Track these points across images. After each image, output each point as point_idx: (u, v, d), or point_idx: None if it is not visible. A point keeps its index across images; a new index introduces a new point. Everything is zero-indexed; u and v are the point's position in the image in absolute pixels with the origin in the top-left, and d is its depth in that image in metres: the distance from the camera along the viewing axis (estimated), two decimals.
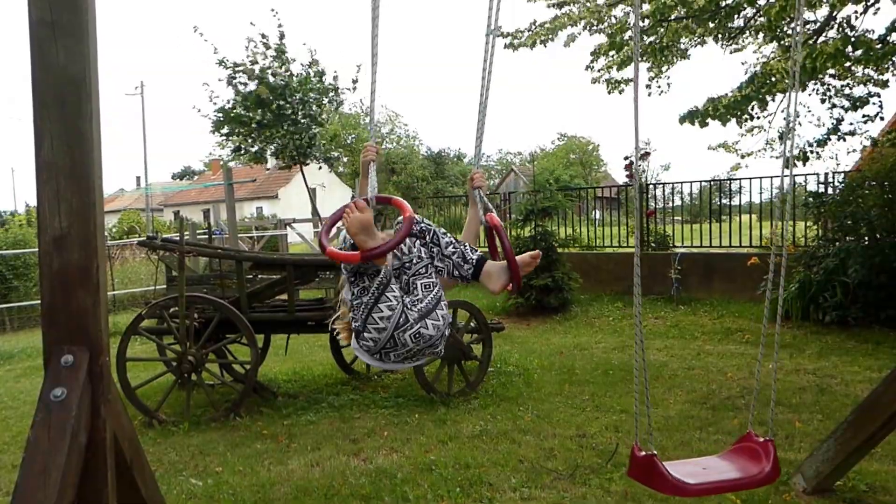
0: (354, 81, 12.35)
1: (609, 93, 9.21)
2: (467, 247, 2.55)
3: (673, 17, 7.86)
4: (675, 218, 14.86)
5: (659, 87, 9.67)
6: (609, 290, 10.92)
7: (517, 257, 2.53)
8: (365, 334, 2.44)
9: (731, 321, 9.00)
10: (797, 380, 6.34)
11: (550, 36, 8.01)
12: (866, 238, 8.28)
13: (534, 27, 8.22)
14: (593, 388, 6.29)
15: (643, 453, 2.57)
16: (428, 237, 2.54)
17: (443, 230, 2.61)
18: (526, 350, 8.06)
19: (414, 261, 2.47)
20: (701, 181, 12.56)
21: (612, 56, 8.67)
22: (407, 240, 2.46)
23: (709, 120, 8.25)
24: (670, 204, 14.06)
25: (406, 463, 4.58)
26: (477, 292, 12.00)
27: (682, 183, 12.37)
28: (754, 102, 8.26)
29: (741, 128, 9.89)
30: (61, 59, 2.01)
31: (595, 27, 8.31)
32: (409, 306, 2.41)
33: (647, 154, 11.85)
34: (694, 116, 8.33)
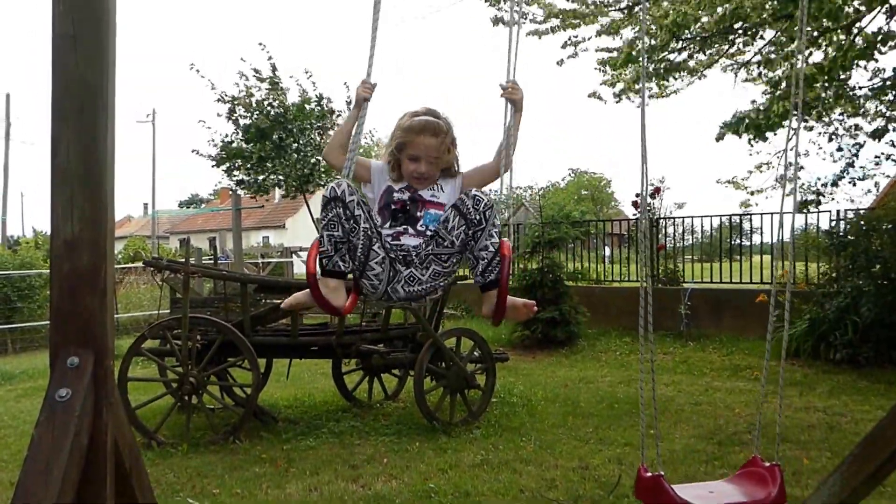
0: (348, 103, 12.53)
1: (617, 102, 9.32)
2: (495, 260, 2.40)
3: (690, 31, 7.92)
4: (688, 256, 14.82)
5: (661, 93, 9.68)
6: (617, 325, 10.88)
7: (516, 299, 2.47)
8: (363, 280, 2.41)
9: (740, 358, 8.95)
10: (806, 417, 6.27)
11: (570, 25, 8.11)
12: (885, 280, 8.15)
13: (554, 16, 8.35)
14: (597, 421, 6.25)
15: (650, 474, 2.55)
16: (477, 230, 2.37)
17: (497, 228, 2.45)
18: (531, 382, 8.02)
19: (446, 243, 2.38)
20: (712, 216, 12.57)
21: (625, 74, 8.80)
22: (454, 215, 2.38)
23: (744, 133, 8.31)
24: (684, 241, 14.02)
25: (405, 490, 4.54)
26: (483, 324, 12.01)
27: (692, 218, 12.37)
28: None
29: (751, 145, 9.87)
30: (80, 69, 2.07)
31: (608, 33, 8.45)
32: (397, 280, 2.38)
33: (658, 190, 11.87)
34: (737, 126, 8.39)
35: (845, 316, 7.98)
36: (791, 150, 2.80)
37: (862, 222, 8.89)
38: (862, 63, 7.92)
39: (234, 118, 11.40)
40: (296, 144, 11.41)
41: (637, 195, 11.30)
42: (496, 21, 8.35)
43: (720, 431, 5.84)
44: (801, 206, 9.96)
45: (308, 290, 2.38)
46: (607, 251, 18.82)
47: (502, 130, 2.55)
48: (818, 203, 10.18)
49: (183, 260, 5.81)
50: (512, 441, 5.65)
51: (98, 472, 2.17)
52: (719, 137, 9.21)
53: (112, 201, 2.17)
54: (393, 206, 2.47)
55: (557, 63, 9.09)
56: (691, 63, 8.82)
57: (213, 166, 11.65)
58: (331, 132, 12.26)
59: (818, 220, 10.80)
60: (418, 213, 2.46)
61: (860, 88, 9.10)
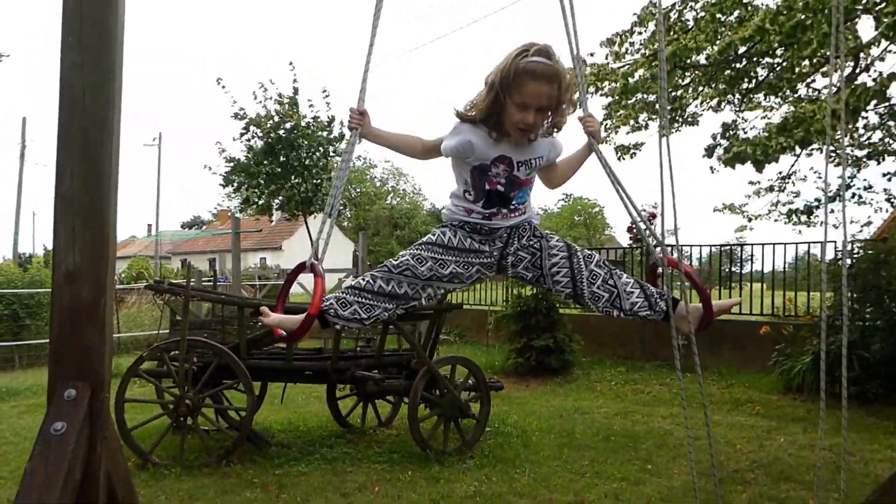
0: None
1: (619, 159, 9.34)
2: (648, 291, 2.48)
3: (689, 62, 7.98)
4: (685, 284, 14.77)
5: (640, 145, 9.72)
6: (611, 354, 10.85)
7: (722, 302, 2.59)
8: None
9: (740, 391, 8.86)
10: (811, 456, 6.16)
11: None
12: None
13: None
14: (594, 454, 6.19)
15: None
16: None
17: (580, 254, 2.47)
18: (525, 411, 7.97)
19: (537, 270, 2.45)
20: (711, 245, 12.58)
21: (620, 115, 8.84)
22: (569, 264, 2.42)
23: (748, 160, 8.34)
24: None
25: None
26: (476, 350, 11.97)
27: (690, 246, 12.35)
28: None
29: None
30: (87, 101, 2.08)
31: (599, 88, 8.50)
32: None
33: (654, 216, 11.85)
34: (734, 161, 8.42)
35: (853, 350, 7.89)
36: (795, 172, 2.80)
37: (870, 251, 8.79)
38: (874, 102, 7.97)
39: (246, 138, 11.50)
40: (306, 163, 11.46)
41: (631, 222, 11.34)
42: None
43: (720, 468, 5.77)
44: (790, 215, 10.00)
45: (300, 320, 2.32)
46: None
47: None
48: (809, 214, 10.20)
49: (184, 282, 5.80)
50: (506, 472, 5.60)
51: (90, 502, 2.16)
52: (723, 165, 9.20)
53: (114, 233, 2.17)
54: (488, 187, 2.38)
55: None
56: (692, 103, 8.91)
57: (220, 184, 11.72)
58: (336, 158, 12.30)
59: (823, 248, 10.76)
60: (511, 194, 2.41)
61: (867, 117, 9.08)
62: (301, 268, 2.36)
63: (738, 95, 8.90)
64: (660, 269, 2.52)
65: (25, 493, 1.93)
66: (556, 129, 2.37)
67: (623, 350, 10.76)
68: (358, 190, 32.10)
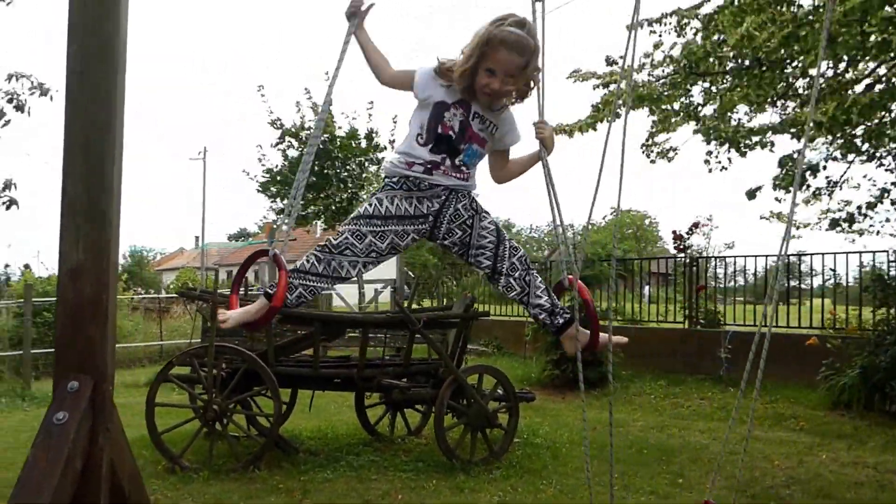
0: (391, 141, 12.72)
1: (652, 162, 9.24)
2: (556, 305, 2.62)
3: (708, 66, 7.84)
4: (738, 298, 14.41)
5: (719, 161, 9.57)
6: (652, 367, 10.65)
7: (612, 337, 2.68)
8: None
9: (784, 406, 8.61)
10: (854, 474, 5.95)
11: (601, 117, 8.17)
12: None
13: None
14: (624, 467, 6.09)
15: None
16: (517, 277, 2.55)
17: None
18: (557, 423, 7.89)
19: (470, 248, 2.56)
20: (756, 256, 12.13)
21: (654, 120, 8.75)
22: (499, 246, 2.52)
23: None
24: (735, 282, 13.57)
25: None
26: (513, 362, 11.90)
27: (733, 257, 12.00)
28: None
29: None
30: (90, 107, 2.18)
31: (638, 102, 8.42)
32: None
33: (697, 225, 11.60)
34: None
35: None
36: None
37: None
38: None
39: (281, 147, 11.74)
40: (339, 175, 11.64)
41: (674, 231, 11.13)
42: None
43: (755, 484, 5.64)
44: (833, 225, 9.70)
45: (259, 312, 2.41)
46: (647, 290, 18.46)
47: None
48: (851, 223, 9.89)
49: (222, 290, 5.95)
50: (532, 484, 5.55)
51: (92, 495, 2.23)
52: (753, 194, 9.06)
53: (117, 233, 2.25)
54: (440, 130, 2.44)
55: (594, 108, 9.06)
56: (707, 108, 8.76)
57: (258, 190, 11.98)
58: (372, 168, 12.47)
59: (874, 259, 10.40)
60: (461, 146, 2.47)
61: None
62: (259, 255, 2.44)
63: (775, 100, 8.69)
64: (565, 287, 2.65)
65: (26, 479, 2.01)
66: (517, 100, 2.50)
67: (664, 363, 10.56)
68: None
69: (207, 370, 5.72)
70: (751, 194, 9.65)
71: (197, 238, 53.82)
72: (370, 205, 2.47)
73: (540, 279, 2.63)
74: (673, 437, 7.29)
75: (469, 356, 12.43)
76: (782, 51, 6.88)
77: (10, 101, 7.24)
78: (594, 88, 8.74)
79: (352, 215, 2.51)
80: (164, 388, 6.94)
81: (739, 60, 7.51)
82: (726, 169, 9.56)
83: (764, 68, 7.27)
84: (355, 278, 2.50)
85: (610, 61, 8.53)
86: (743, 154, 8.98)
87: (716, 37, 7.39)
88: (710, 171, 9.67)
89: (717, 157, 9.47)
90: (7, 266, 27.03)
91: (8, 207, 7.10)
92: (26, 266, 25.18)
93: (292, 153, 11.80)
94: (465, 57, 2.36)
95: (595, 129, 8.45)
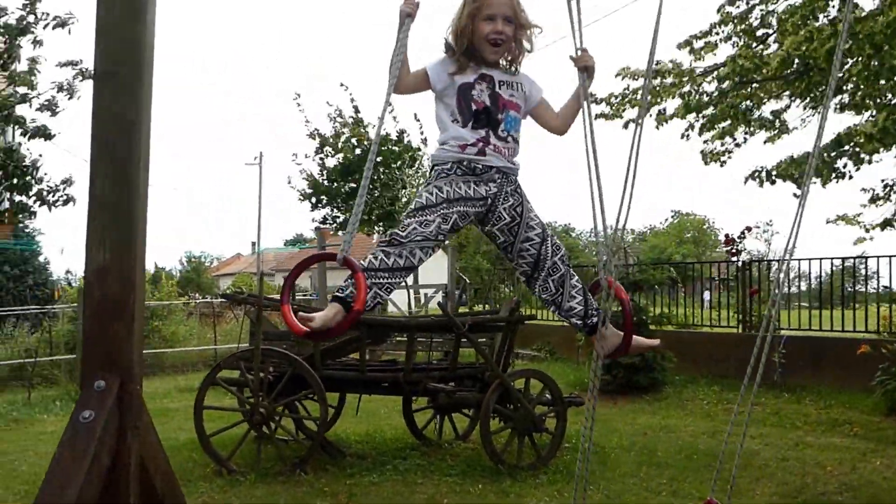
0: (423, 140, 12.76)
1: (706, 164, 9.01)
2: (589, 303, 2.61)
3: (756, 78, 7.65)
4: (802, 303, 13.93)
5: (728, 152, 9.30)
6: (706, 373, 10.36)
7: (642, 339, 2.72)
8: None
9: (839, 412, 8.28)
10: None
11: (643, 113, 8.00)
12: None
13: (622, 97, 8.24)
14: (673, 472, 5.93)
15: None
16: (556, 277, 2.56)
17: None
18: (608, 428, 7.71)
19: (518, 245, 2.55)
20: (810, 259, 11.69)
21: (703, 123, 8.55)
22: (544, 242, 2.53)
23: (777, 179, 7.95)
24: (790, 286, 13.14)
25: None
26: (566, 367, 11.73)
27: (809, 260, 11.48)
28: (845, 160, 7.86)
29: (825, 187, 9.33)
30: (117, 107, 2.20)
31: (686, 97, 8.24)
32: None
33: (749, 229, 11.33)
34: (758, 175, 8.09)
35: None
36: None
37: None
38: None
39: (321, 157, 11.90)
40: (381, 180, 11.73)
41: (726, 234, 10.84)
42: None
43: (806, 490, 5.41)
44: (885, 225, 9.27)
45: (339, 318, 2.28)
46: (707, 295, 17.96)
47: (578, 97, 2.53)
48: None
49: (274, 294, 6.01)
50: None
51: (120, 494, 2.24)
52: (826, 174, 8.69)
53: (143, 232, 2.27)
54: (474, 107, 2.45)
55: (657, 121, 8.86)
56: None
57: (299, 199, 12.17)
58: (408, 171, 12.53)
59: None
60: (499, 116, 2.48)
61: None
62: (318, 259, 2.37)
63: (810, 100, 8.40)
64: (601, 288, 2.54)
65: (52, 475, 2.03)
66: (524, 50, 2.53)
67: (717, 368, 10.25)
68: None
69: (254, 374, 5.78)
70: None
71: (253, 244, 54.95)
72: (430, 193, 2.44)
73: (576, 279, 2.59)
74: (724, 442, 7.06)
75: (521, 361, 12.34)
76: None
77: (60, 89, 7.46)
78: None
79: (412, 207, 2.47)
80: (217, 392, 7.07)
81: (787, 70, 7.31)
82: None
83: (812, 73, 7.07)
84: (418, 266, 2.44)
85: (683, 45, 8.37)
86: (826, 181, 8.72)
87: (760, 47, 7.23)
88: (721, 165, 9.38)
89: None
90: (68, 272, 28.02)
91: (65, 203, 7.34)
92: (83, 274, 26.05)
93: (330, 162, 11.93)
94: (459, 16, 2.44)
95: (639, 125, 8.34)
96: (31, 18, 7.50)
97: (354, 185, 11.65)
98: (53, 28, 7.49)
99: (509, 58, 2.54)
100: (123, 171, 2.20)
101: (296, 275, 2.45)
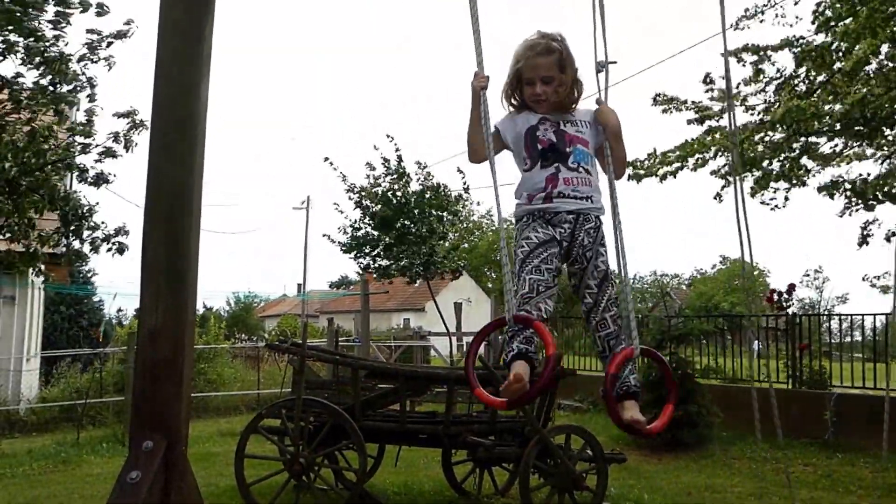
0: (466, 189, 12.88)
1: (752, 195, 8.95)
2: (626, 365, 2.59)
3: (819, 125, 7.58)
4: (856, 355, 13.49)
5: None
6: (754, 429, 10.03)
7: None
8: None
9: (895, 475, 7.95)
10: None
11: (681, 164, 7.98)
12: None
13: (659, 156, 8.25)
14: None
15: None
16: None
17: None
18: (651, 487, 7.52)
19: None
20: (863, 314, 11.45)
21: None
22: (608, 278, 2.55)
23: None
24: (841, 340, 12.76)
25: None
26: (608, 420, 11.49)
27: (838, 316, 11.30)
28: None
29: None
30: (170, 180, 2.31)
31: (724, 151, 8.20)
32: None
33: (794, 287, 11.08)
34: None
35: None
36: None
37: None
38: None
39: (362, 206, 12.11)
40: (418, 232, 11.89)
41: (771, 290, 10.61)
42: None
43: None
44: None
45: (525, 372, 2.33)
46: (758, 345, 17.44)
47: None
48: None
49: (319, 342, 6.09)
50: None
51: None
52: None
53: (194, 296, 2.36)
54: (540, 147, 2.53)
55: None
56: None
57: (342, 251, 12.36)
58: (449, 216, 12.66)
59: None
60: (567, 149, 2.53)
61: None
62: (497, 324, 2.40)
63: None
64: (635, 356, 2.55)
65: None
66: (575, 97, 2.60)
67: (768, 425, 9.88)
68: (475, 238, 32.62)
69: (295, 423, 5.82)
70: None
71: (299, 285, 55.58)
72: (525, 246, 2.51)
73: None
74: None
75: (563, 412, 12.13)
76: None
77: (115, 139, 7.68)
78: (688, 123, 8.60)
79: (518, 261, 2.53)
80: (258, 437, 7.13)
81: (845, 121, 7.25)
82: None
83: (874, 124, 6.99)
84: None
85: (707, 80, 8.39)
86: (871, 207, 8.60)
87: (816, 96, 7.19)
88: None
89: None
90: (119, 310, 28.73)
91: (119, 252, 7.54)
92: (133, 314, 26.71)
93: (372, 210, 12.16)
94: (508, 79, 2.57)
95: (675, 177, 8.29)
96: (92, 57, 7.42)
97: (396, 234, 11.85)
98: (107, 46, 7.30)
99: (565, 102, 2.62)
100: (176, 238, 2.30)
101: (476, 350, 2.51)
